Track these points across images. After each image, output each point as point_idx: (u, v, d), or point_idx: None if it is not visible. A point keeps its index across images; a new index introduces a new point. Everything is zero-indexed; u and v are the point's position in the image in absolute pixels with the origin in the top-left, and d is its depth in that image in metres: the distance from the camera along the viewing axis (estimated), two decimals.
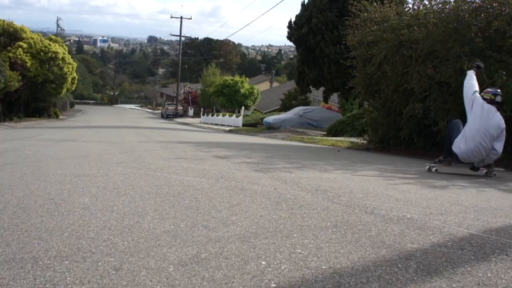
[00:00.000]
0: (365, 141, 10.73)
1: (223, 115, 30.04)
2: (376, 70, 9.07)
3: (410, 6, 9.86)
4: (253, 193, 3.51)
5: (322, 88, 22.83)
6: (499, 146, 5.38)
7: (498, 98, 5.44)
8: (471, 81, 5.62)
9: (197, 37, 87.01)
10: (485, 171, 5.47)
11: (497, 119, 5.35)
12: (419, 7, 8.84)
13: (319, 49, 19.97)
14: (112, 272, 1.73)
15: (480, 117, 5.34)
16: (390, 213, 2.95)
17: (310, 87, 22.46)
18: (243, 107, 30.44)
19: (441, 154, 6.00)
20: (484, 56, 7.17)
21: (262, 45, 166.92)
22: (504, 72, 6.69)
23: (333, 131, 16.33)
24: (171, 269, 1.78)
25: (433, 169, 5.65)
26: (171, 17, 61.25)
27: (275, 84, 53.62)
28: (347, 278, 1.75)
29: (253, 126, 24.79)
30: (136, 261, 1.86)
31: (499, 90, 5.57)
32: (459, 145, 5.45)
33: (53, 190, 3.36)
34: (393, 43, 8.61)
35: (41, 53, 24.84)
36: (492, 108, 5.35)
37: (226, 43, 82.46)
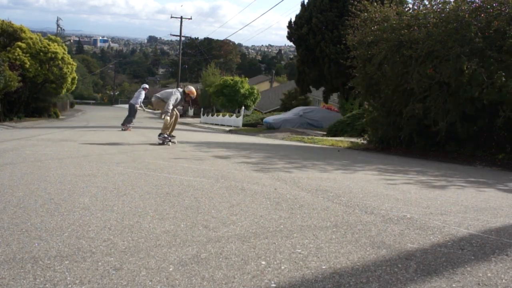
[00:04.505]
0: (365, 141, 10.73)
1: (223, 115, 30.00)
2: (376, 70, 9.07)
3: (410, 6, 9.87)
4: (253, 193, 3.51)
5: (322, 88, 22.83)
6: None
7: None
8: None
9: (197, 37, 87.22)
10: None
11: None
12: (419, 7, 8.85)
13: (319, 49, 19.98)
14: (112, 272, 1.73)
15: None
16: (390, 213, 2.95)
17: (310, 87, 22.46)
18: (243, 107, 30.40)
19: (440, 154, 5.98)
20: (484, 56, 7.17)
21: (262, 45, 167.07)
22: (504, 73, 6.69)
23: (333, 131, 16.33)
24: (171, 269, 1.78)
25: None
26: (171, 17, 61.09)
27: (275, 84, 53.59)
28: (347, 278, 1.75)
29: (253, 126, 24.77)
30: (136, 261, 1.86)
31: None
32: None
33: (53, 190, 3.36)
34: (393, 43, 8.61)
35: (41, 53, 24.79)
36: None
37: (226, 43, 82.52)
